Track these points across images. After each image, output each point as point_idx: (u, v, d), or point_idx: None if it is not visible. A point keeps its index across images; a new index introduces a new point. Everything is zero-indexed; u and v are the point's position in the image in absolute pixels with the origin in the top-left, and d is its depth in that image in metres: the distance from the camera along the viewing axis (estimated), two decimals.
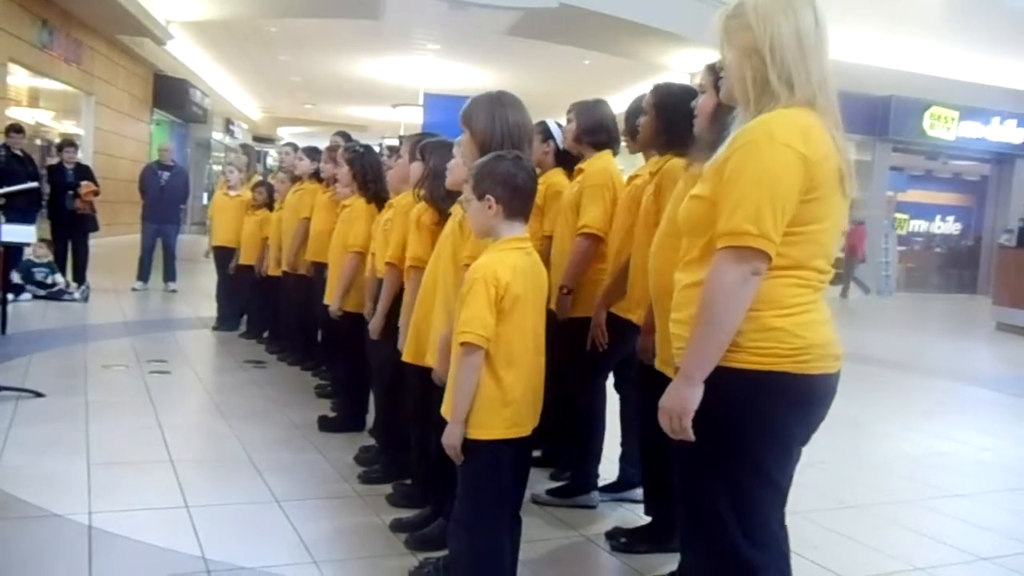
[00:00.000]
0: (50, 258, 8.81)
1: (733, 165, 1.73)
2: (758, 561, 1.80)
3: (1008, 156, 18.02)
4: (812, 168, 1.71)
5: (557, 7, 12.07)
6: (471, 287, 2.28)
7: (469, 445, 2.30)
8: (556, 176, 3.93)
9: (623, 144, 3.69)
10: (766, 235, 1.67)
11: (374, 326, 3.73)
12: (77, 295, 8.66)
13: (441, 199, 3.11)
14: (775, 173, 1.69)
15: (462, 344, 2.27)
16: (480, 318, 2.25)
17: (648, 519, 3.23)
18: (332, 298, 4.51)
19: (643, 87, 3.41)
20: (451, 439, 2.31)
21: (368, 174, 4.50)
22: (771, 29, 1.77)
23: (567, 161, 3.92)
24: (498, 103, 2.70)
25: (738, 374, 1.72)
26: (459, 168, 2.90)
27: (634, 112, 3.39)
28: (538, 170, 3.97)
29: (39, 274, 8.61)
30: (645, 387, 2.88)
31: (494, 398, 2.30)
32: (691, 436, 1.74)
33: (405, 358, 3.07)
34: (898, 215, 20.00)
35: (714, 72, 2.41)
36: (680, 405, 1.73)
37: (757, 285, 1.69)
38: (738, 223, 1.68)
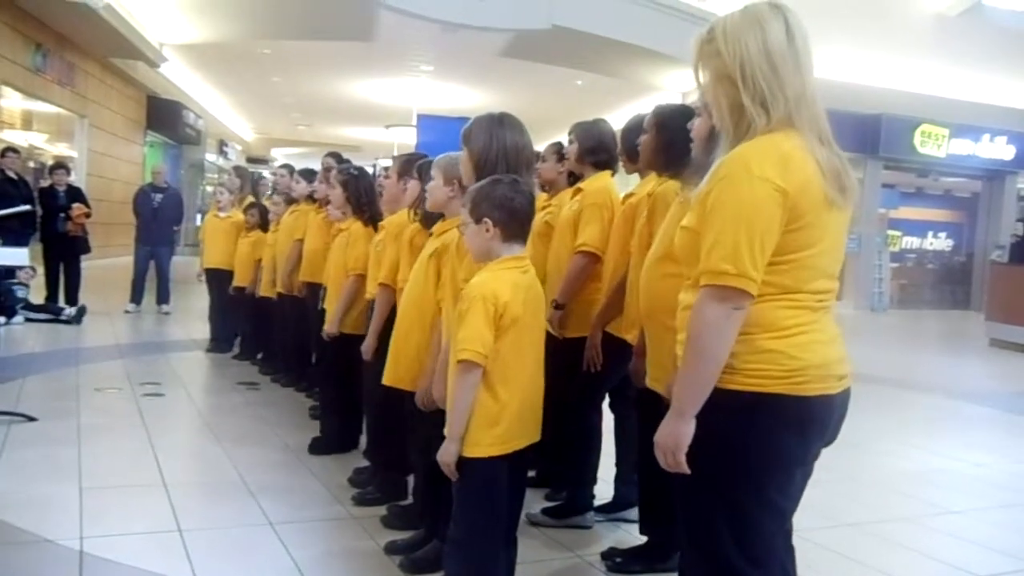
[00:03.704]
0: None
1: (713, 199, 1.72)
2: None
3: (999, 173, 18.10)
4: (792, 199, 1.68)
5: (549, 28, 12.15)
6: (470, 305, 2.29)
7: (464, 463, 2.30)
8: (569, 196, 3.91)
9: (620, 164, 3.71)
10: (744, 274, 1.66)
11: (366, 346, 3.73)
12: (71, 312, 8.63)
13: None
14: (752, 209, 1.67)
15: (460, 361, 2.27)
16: (479, 336, 2.25)
17: (643, 539, 3.21)
18: (330, 320, 4.49)
19: (636, 107, 3.43)
20: (447, 456, 2.31)
21: (362, 197, 4.51)
22: (739, 51, 1.74)
23: (580, 181, 3.91)
24: (498, 124, 2.72)
25: (733, 396, 1.71)
26: (438, 190, 2.93)
27: (630, 131, 3.41)
28: (551, 190, 4.00)
29: (20, 292, 8.57)
30: (645, 409, 2.88)
31: (490, 416, 2.30)
32: (686, 470, 1.74)
33: (385, 381, 3.08)
34: (890, 232, 20.03)
35: None
36: (674, 441, 1.73)
37: (741, 318, 1.69)
38: (716, 262, 1.68)
